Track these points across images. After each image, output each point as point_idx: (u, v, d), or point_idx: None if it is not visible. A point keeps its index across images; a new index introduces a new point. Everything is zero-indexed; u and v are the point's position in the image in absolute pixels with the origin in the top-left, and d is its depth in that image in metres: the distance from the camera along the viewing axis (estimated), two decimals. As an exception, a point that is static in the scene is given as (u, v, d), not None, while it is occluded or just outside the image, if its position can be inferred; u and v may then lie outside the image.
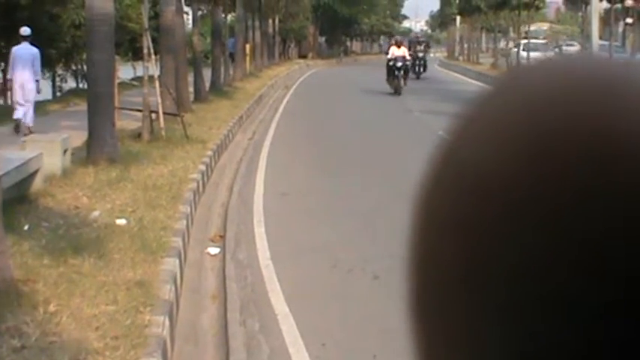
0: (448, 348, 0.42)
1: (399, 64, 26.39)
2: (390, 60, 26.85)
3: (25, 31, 14.44)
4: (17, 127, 14.05)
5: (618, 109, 0.40)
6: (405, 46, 27.79)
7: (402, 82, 26.34)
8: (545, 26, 51.92)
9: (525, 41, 39.28)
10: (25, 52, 14.35)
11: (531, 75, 0.44)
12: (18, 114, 14.31)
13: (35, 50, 14.43)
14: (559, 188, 0.39)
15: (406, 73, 27.07)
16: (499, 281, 0.40)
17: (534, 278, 0.39)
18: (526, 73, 0.44)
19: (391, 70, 26.74)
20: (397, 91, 25.89)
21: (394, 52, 26.94)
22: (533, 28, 41.75)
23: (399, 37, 30.54)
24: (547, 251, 0.38)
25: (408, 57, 27.37)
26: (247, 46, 33.06)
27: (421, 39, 38.27)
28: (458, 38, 61.79)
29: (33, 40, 14.58)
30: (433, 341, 0.43)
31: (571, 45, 40.86)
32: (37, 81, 14.60)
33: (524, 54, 35.74)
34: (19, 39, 14.49)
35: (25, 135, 12.94)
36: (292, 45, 59.77)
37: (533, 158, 0.40)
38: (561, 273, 0.38)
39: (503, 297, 0.39)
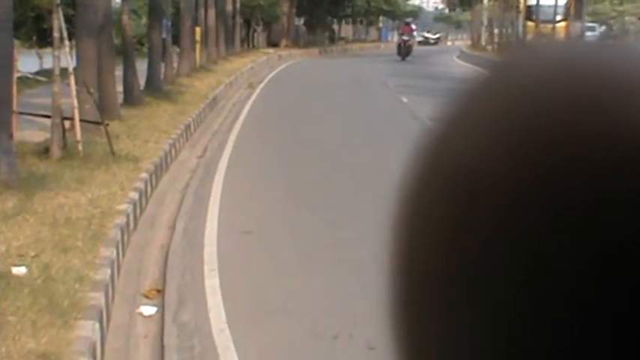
0: (437, 352, 0.52)
1: None
2: None
3: None
4: None
5: (627, 103, 0.47)
6: None
7: None
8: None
9: None
10: None
11: (531, 61, 0.51)
12: None
13: None
14: (560, 188, 0.47)
15: None
16: (493, 284, 0.49)
17: (534, 280, 0.48)
18: (525, 59, 0.52)
19: None
20: None
21: None
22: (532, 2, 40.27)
23: None
24: (547, 252, 0.47)
25: None
26: (197, 30, 33.19)
27: None
28: (485, 21, 62.36)
29: None
30: (421, 347, 0.53)
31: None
32: None
33: None
34: None
35: None
36: (259, 29, 60.11)
37: (533, 155, 0.48)
38: (561, 275, 0.47)
39: (497, 299, 0.49)
